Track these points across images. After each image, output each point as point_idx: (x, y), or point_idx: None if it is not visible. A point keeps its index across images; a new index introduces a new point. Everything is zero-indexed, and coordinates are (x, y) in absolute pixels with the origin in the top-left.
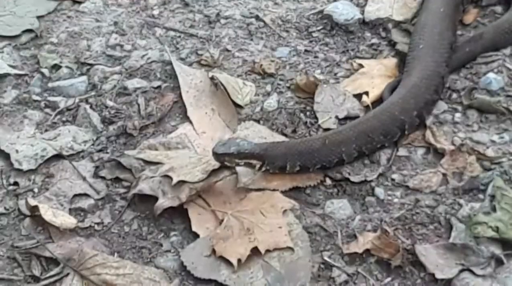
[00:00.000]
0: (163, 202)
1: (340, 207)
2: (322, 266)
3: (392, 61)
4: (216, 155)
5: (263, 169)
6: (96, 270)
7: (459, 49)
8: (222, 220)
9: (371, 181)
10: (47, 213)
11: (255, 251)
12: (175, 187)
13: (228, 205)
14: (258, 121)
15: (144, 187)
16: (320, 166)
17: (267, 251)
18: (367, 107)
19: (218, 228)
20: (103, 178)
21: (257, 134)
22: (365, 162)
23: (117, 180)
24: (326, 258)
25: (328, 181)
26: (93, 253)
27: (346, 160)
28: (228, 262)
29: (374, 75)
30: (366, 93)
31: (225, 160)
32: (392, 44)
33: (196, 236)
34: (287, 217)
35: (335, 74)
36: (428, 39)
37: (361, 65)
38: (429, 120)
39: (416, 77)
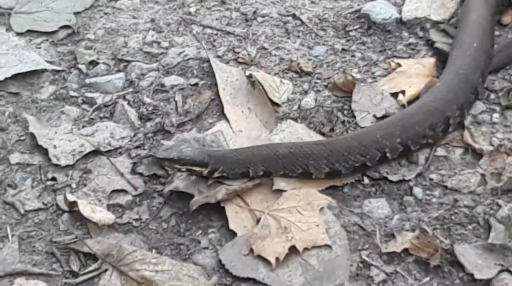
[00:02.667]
0: (199, 199)
1: (378, 206)
2: (360, 265)
3: (430, 61)
4: (157, 159)
5: (216, 175)
6: (134, 266)
7: (499, 51)
8: (259, 219)
9: (409, 180)
10: (86, 208)
11: (293, 250)
12: (211, 186)
13: (265, 204)
14: (295, 119)
15: (179, 184)
16: (283, 173)
17: (305, 249)
18: (403, 107)
19: (255, 227)
20: (140, 174)
21: (294, 135)
22: (403, 162)
23: (155, 176)
24: (364, 257)
25: (366, 180)
26: (131, 249)
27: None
28: (266, 261)
29: (412, 74)
30: (403, 92)
31: (166, 165)
32: (429, 44)
33: (233, 234)
34: (324, 215)
35: (373, 73)
36: (471, 39)
37: (399, 65)
38: (467, 121)
39: (453, 77)
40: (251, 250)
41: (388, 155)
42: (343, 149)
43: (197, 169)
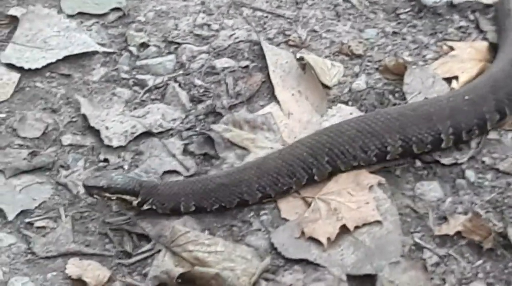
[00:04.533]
0: None
1: (430, 189)
2: (413, 247)
3: (483, 45)
4: (85, 187)
5: (146, 207)
6: (188, 247)
7: None
8: (310, 204)
9: (461, 163)
10: None
11: (344, 229)
12: None
13: (315, 189)
14: (346, 103)
15: None
16: (219, 206)
17: (356, 227)
18: None
19: (306, 211)
20: (192, 154)
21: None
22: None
23: (206, 156)
24: (417, 240)
25: (418, 163)
26: (184, 230)
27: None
28: (317, 242)
29: (465, 59)
30: (456, 77)
31: (95, 193)
32: (479, 28)
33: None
34: (374, 193)
35: (424, 56)
36: None
37: (451, 48)
38: None
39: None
40: (303, 233)
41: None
42: (271, 170)
43: (127, 198)
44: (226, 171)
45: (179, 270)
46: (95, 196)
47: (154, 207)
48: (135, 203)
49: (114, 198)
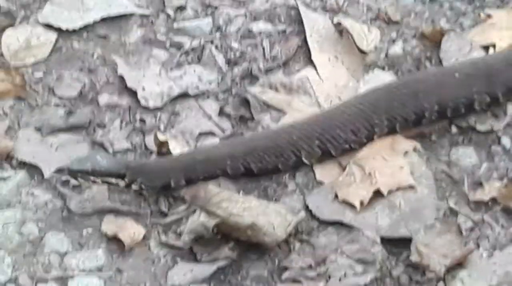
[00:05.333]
0: None
1: (465, 155)
2: (447, 212)
3: None
4: (69, 171)
5: (134, 187)
6: (222, 205)
7: None
8: (345, 168)
9: (497, 130)
10: (175, 149)
11: (377, 193)
12: None
13: (351, 153)
14: (382, 68)
15: None
16: (203, 178)
17: (390, 192)
18: None
19: (341, 175)
20: (228, 116)
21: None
22: (492, 112)
23: (242, 118)
24: (451, 205)
25: (454, 129)
26: (219, 190)
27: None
28: (351, 205)
29: (503, 27)
30: (493, 45)
31: (80, 176)
32: None
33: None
34: (409, 158)
35: (461, 24)
36: None
37: (489, 16)
38: None
39: None
40: (336, 196)
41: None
42: (259, 148)
43: (113, 180)
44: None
45: (215, 221)
46: (79, 179)
47: (143, 186)
48: (122, 184)
49: (99, 181)
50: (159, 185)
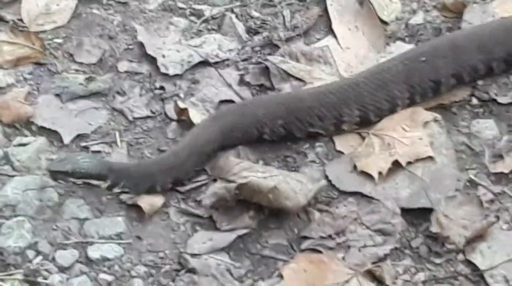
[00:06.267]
0: None
1: (486, 127)
2: (468, 183)
3: None
4: (50, 172)
5: (117, 190)
6: (242, 174)
7: None
8: (364, 139)
9: None
10: (195, 117)
11: (396, 164)
12: None
13: (370, 125)
14: (403, 39)
15: None
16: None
17: (409, 163)
18: None
19: (360, 146)
20: (248, 85)
21: None
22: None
23: (262, 87)
24: (472, 176)
25: (474, 101)
26: (239, 160)
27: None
28: (371, 176)
29: None
30: None
31: (60, 178)
32: None
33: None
34: (430, 129)
35: None
36: None
37: None
38: None
39: None
40: (355, 167)
41: None
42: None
43: (94, 182)
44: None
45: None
46: (59, 180)
47: (126, 190)
48: (103, 186)
49: (80, 182)
50: (144, 188)
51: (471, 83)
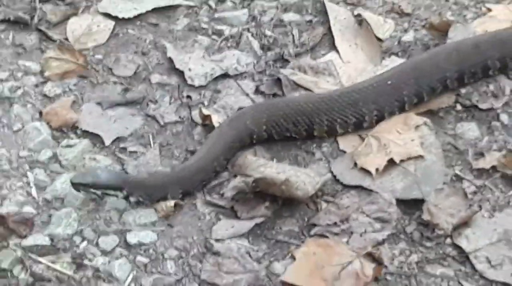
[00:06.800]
0: None
1: (469, 129)
2: (454, 178)
3: None
4: (72, 184)
5: (132, 200)
6: (259, 170)
7: None
8: (364, 140)
9: (497, 108)
10: (217, 122)
11: (391, 162)
12: None
13: (369, 128)
14: (396, 54)
15: None
16: (202, 187)
17: (402, 160)
18: None
19: (360, 146)
20: (262, 94)
21: None
22: (491, 90)
23: (275, 95)
24: (457, 172)
25: (459, 107)
26: (256, 158)
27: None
28: (370, 173)
29: (501, 19)
30: None
31: (81, 189)
32: None
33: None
34: (420, 132)
35: (464, 16)
36: None
37: (489, 10)
38: None
39: None
40: (355, 164)
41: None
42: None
43: (111, 192)
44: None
45: (256, 173)
46: (81, 191)
47: (141, 199)
48: (120, 196)
49: (99, 193)
50: (156, 198)
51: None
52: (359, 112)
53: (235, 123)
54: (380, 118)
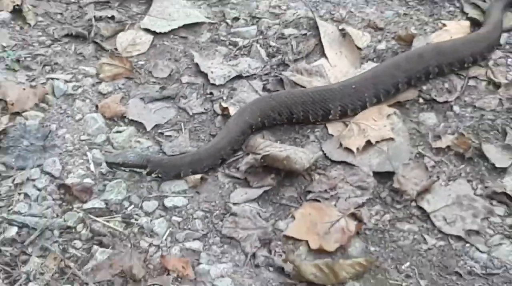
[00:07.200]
0: None
1: (429, 117)
2: (417, 155)
3: (465, 23)
4: (106, 163)
5: (153, 175)
6: (266, 149)
7: None
8: (347, 126)
9: (451, 101)
10: (234, 111)
11: (369, 143)
12: None
13: (352, 117)
14: (372, 60)
15: None
16: (208, 169)
17: (377, 142)
18: None
19: (344, 131)
20: (269, 91)
21: None
22: (446, 87)
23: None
24: (420, 150)
25: (421, 100)
26: (263, 140)
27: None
28: (352, 151)
29: (453, 32)
30: None
31: (113, 167)
32: (464, 12)
33: (331, 135)
34: (391, 119)
35: (425, 30)
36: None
37: (444, 25)
38: (490, 63)
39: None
40: (341, 144)
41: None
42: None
43: (137, 170)
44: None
45: (263, 152)
46: (113, 169)
47: (160, 175)
48: (144, 173)
49: (127, 170)
50: (171, 175)
51: (389, 100)
52: (327, 107)
53: (238, 120)
54: (343, 114)
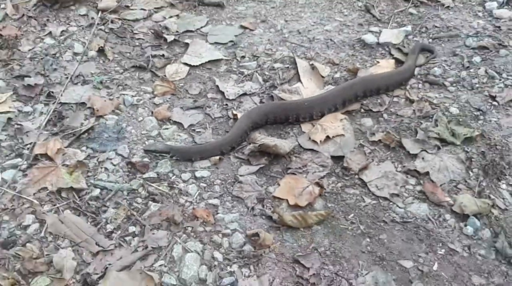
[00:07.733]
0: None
1: (367, 121)
2: (359, 145)
3: (392, 61)
4: (144, 150)
5: (174, 158)
6: (262, 140)
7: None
8: (314, 126)
9: (382, 111)
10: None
11: (328, 137)
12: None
13: (317, 120)
14: (331, 84)
15: None
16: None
17: (333, 136)
18: None
19: (312, 129)
20: (262, 103)
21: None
22: (379, 102)
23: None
24: (361, 142)
25: (362, 110)
26: (260, 135)
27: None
28: (317, 143)
29: (384, 67)
30: None
31: (148, 153)
32: (391, 54)
33: (304, 131)
34: (342, 122)
35: (365, 65)
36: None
37: (378, 62)
38: (407, 87)
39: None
40: (309, 138)
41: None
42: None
43: (164, 155)
44: (216, 139)
45: (259, 142)
46: (148, 154)
47: (178, 159)
48: (168, 157)
49: (158, 155)
50: (186, 159)
51: (342, 110)
52: (288, 115)
53: (244, 121)
54: (297, 120)
